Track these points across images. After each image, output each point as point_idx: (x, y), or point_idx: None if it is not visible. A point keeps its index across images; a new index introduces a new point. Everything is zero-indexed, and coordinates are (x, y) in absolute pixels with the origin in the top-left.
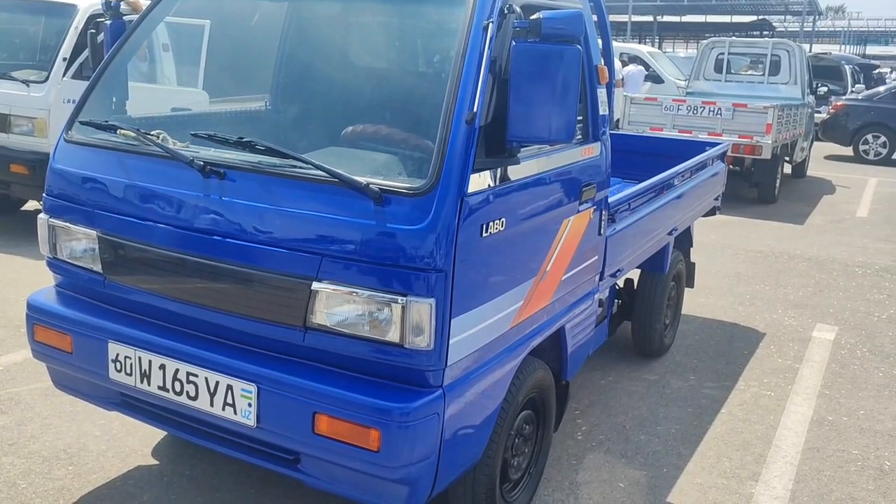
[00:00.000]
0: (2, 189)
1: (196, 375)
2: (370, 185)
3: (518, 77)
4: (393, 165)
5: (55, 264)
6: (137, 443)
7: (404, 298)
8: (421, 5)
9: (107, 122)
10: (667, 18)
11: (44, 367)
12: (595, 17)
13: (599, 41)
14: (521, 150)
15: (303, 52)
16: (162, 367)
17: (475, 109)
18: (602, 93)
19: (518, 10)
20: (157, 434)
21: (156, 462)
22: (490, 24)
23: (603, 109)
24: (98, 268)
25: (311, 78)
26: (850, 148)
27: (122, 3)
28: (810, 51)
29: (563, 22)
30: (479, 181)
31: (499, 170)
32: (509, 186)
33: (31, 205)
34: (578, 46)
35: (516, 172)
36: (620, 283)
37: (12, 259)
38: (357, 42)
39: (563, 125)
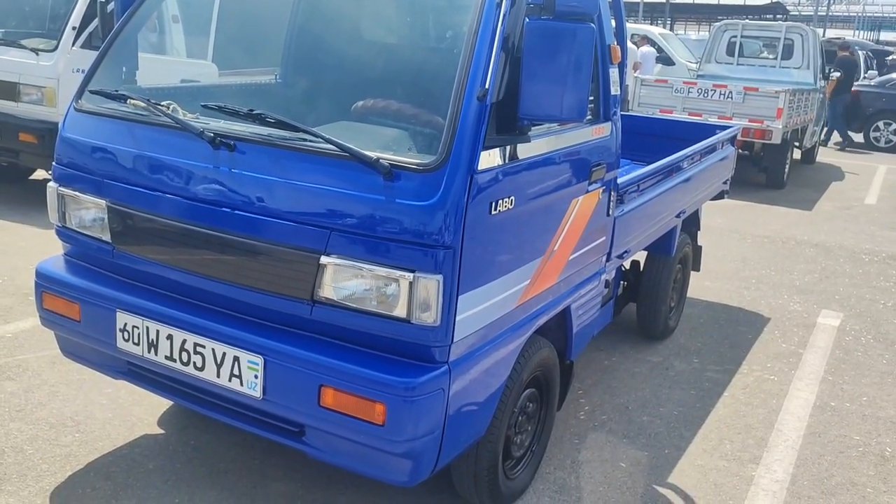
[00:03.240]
0: (11, 158)
1: (203, 346)
2: (380, 160)
3: (531, 54)
4: (403, 141)
5: (64, 233)
6: (143, 412)
7: (412, 274)
8: None
9: (117, 91)
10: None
11: (51, 336)
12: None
13: (613, 21)
14: (532, 128)
15: (314, 26)
16: (169, 337)
17: (487, 86)
18: (614, 72)
19: None
20: (162, 403)
21: (161, 431)
22: (504, 1)
23: (614, 89)
24: (107, 237)
25: (321, 52)
26: (861, 135)
27: None
28: (824, 35)
29: (578, 0)
30: (490, 158)
31: (509, 147)
32: (519, 164)
33: (40, 174)
34: (592, 25)
35: (526, 151)
36: (626, 264)
37: (21, 228)
38: (369, 16)
39: (576, 104)
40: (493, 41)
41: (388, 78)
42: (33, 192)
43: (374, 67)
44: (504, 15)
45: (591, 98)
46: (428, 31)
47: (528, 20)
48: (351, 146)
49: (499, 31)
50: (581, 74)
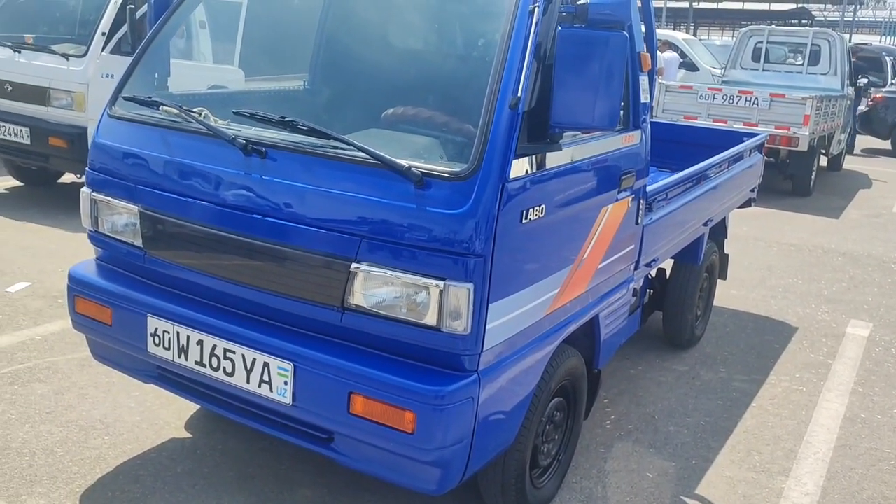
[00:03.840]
0: (41, 161)
1: (233, 352)
2: (412, 169)
3: (563, 62)
4: (434, 149)
5: (96, 238)
6: (171, 415)
7: (443, 282)
8: None
9: (150, 97)
10: (703, 5)
11: (81, 338)
12: (639, 2)
13: (642, 27)
14: (563, 136)
15: (343, 33)
16: (200, 342)
17: (519, 94)
18: (644, 80)
19: None
20: (190, 407)
21: (189, 435)
22: (536, 9)
23: (644, 97)
24: (139, 242)
25: (351, 58)
26: (889, 142)
27: None
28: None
29: (611, 7)
30: (521, 167)
31: (540, 156)
32: (550, 173)
33: (68, 177)
34: (625, 33)
35: (557, 159)
36: (653, 272)
37: (50, 231)
38: (399, 23)
39: (607, 112)
40: (526, 49)
41: (419, 85)
42: (62, 195)
43: (405, 75)
44: (536, 23)
45: (622, 106)
46: (459, 38)
47: (560, 28)
48: (383, 154)
49: (531, 39)
50: (613, 82)
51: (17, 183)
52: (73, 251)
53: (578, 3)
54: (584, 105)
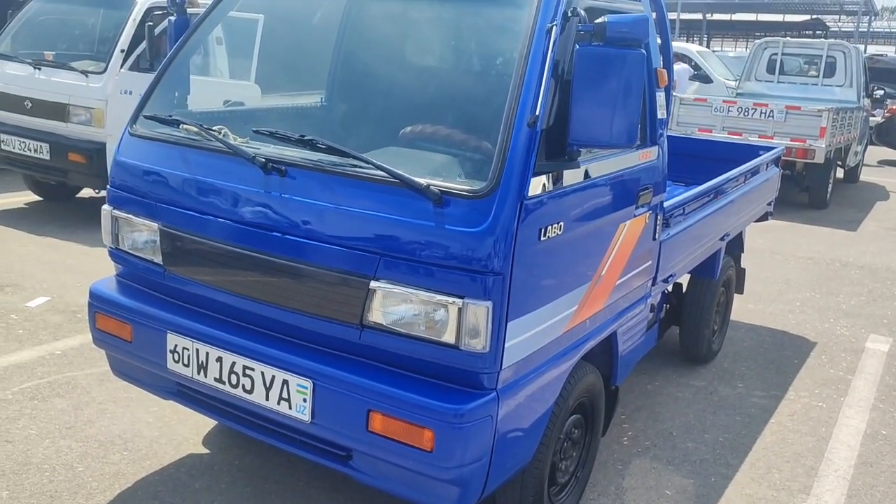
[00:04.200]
0: (60, 177)
1: (252, 369)
2: (430, 187)
3: (581, 81)
4: (452, 167)
5: (117, 254)
6: (189, 431)
7: (461, 300)
8: (484, 6)
9: (170, 116)
10: (717, 16)
11: (99, 353)
12: (655, 17)
13: (659, 41)
14: (581, 153)
15: (361, 50)
16: (219, 359)
17: (537, 113)
18: (661, 96)
19: (582, 12)
20: (207, 422)
21: (207, 451)
22: (554, 27)
23: (661, 113)
24: (158, 259)
25: (369, 76)
26: None
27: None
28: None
29: (629, 26)
30: (539, 185)
31: (558, 173)
32: (568, 190)
33: (86, 192)
34: (642, 51)
35: (575, 176)
36: (669, 287)
37: (69, 246)
38: (416, 41)
39: (625, 130)
40: (544, 67)
41: (436, 103)
42: (81, 209)
43: (422, 92)
44: (554, 41)
45: (639, 122)
46: (477, 56)
47: (578, 46)
48: (402, 172)
49: (549, 58)
50: (631, 100)
51: (36, 198)
52: (92, 265)
53: (596, 21)
54: (602, 123)
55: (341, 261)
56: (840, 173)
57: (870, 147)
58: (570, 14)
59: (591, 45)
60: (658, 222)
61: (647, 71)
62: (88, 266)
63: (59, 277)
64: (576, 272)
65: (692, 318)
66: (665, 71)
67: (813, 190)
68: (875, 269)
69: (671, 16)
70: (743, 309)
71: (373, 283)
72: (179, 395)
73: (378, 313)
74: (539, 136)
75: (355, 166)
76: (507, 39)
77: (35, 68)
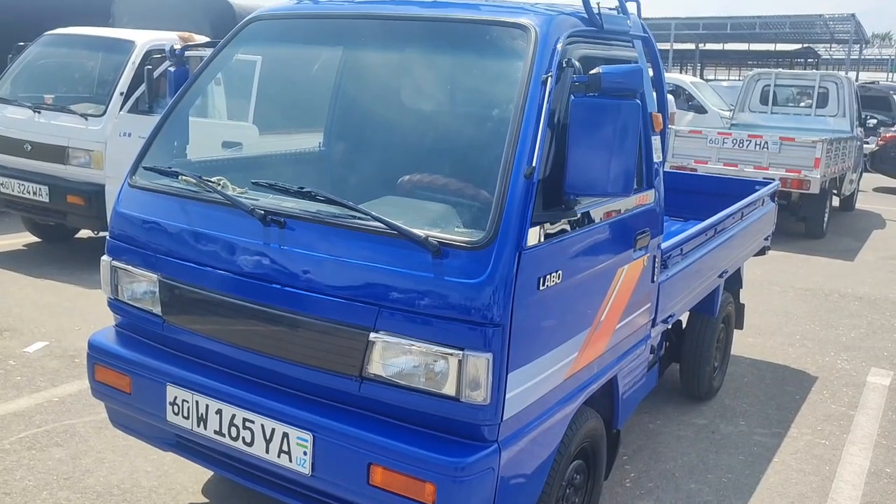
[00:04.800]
0: (58, 219)
1: (252, 422)
2: (429, 239)
3: (577, 131)
4: (450, 217)
5: (116, 305)
6: (188, 479)
7: (461, 352)
8: (479, 57)
9: (169, 168)
10: (709, 46)
11: (98, 400)
12: (647, 58)
13: (650, 69)
14: (578, 201)
15: (358, 100)
16: (219, 411)
17: (534, 164)
18: (656, 140)
19: (577, 63)
20: (207, 472)
21: (206, 500)
22: (549, 78)
23: (657, 156)
24: (158, 310)
25: (366, 125)
26: None
27: (186, 51)
28: (857, 79)
29: (623, 76)
30: (536, 234)
31: (556, 222)
32: (566, 238)
33: (85, 233)
34: (637, 101)
35: (573, 224)
36: (669, 324)
37: (68, 288)
38: (413, 91)
39: (622, 179)
40: (539, 118)
41: (434, 153)
42: (79, 251)
43: (419, 142)
44: (550, 92)
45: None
46: (473, 107)
47: (573, 97)
48: (400, 224)
49: (545, 109)
50: (627, 149)
51: (34, 239)
52: (91, 308)
53: (591, 72)
54: (599, 173)
55: (340, 312)
56: (836, 202)
57: (865, 174)
58: (564, 65)
59: (587, 96)
60: (656, 264)
61: (643, 116)
62: (87, 308)
63: (57, 321)
64: (575, 319)
65: (692, 356)
66: (660, 115)
67: (809, 220)
68: (874, 301)
69: (664, 46)
70: (743, 343)
71: (372, 335)
72: (179, 446)
73: (378, 365)
74: (536, 187)
75: (354, 218)
76: (503, 90)
77: (35, 111)
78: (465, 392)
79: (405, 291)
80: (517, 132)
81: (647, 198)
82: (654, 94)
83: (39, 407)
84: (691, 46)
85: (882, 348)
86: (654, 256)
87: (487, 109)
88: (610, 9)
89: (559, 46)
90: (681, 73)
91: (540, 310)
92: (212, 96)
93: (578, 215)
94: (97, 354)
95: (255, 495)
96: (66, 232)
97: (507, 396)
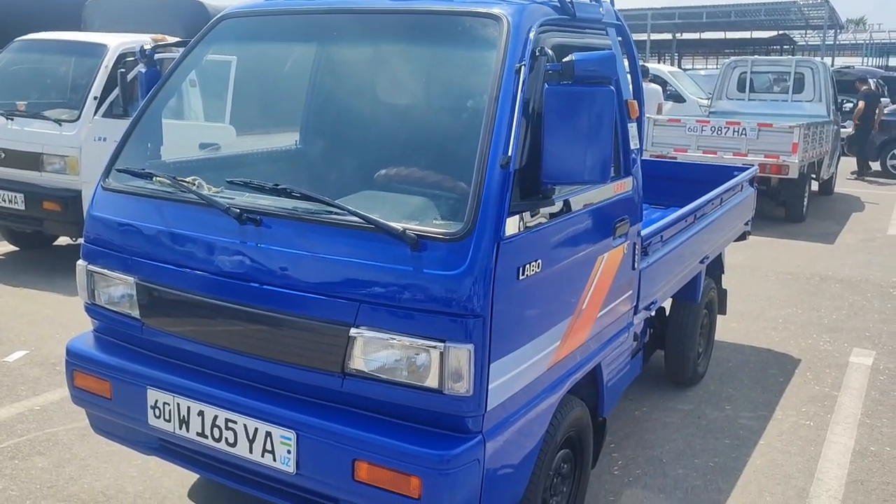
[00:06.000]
0: (35, 226)
1: (235, 422)
2: (407, 232)
3: (552, 119)
4: (428, 209)
5: (93, 310)
6: (174, 483)
7: (443, 344)
8: (453, 49)
9: (143, 169)
10: (686, 36)
11: (80, 407)
12: (622, 44)
13: (626, 60)
14: (556, 190)
15: (333, 95)
16: (201, 413)
17: (510, 153)
18: (633, 127)
19: (549, 52)
20: (192, 475)
21: (192, 503)
22: (522, 67)
23: (634, 144)
24: (136, 314)
25: (342, 120)
26: (878, 163)
27: (156, 52)
28: (832, 64)
29: (596, 64)
30: (515, 224)
31: (534, 211)
32: (544, 228)
33: (63, 240)
34: (611, 87)
35: (551, 213)
36: (652, 312)
37: (46, 295)
38: (388, 85)
39: (598, 166)
40: (514, 108)
41: (410, 146)
42: (57, 258)
43: (395, 135)
44: (523, 81)
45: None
46: (448, 99)
47: (547, 86)
48: (377, 218)
49: (519, 98)
50: (602, 136)
51: (12, 248)
52: (70, 315)
53: (564, 60)
54: (575, 161)
55: (320, 309)
56: (815, 186)
57: (842, 158)
58: (538, 53)
59: (560, 84)
60: (636, 251)
61: (618, 103)
62: (67, 316)
63: (37, 329)
64: (556, 308)
65: (676, 342)
66: (636, 102)
67: (789, 204)
68: (855, 283)
69: (642, 36)
70: (726, 328)
71: (353, 331)
72: (162, 450)
73: (359, 360)
74: (513, 176)
75: (331, 213)
76: (476, 81)
77: (7, 118)
78: (448, 384)
79: (384, 285)
80: (492, 122)
81: (626, 185)
82: (630, 81)
83: (21, 416)
84: (668, 36)
85: (864, 329)
86: (635, 244)
87: (462, 101)
88: None
89: (532, 35)
90: (658, 63)
91: (520, 299)
92: (187, 98)
93: (556, 204)
94: (76, 360)
95: (242, 496)
96: (44, 239)
97: (490, 387)
